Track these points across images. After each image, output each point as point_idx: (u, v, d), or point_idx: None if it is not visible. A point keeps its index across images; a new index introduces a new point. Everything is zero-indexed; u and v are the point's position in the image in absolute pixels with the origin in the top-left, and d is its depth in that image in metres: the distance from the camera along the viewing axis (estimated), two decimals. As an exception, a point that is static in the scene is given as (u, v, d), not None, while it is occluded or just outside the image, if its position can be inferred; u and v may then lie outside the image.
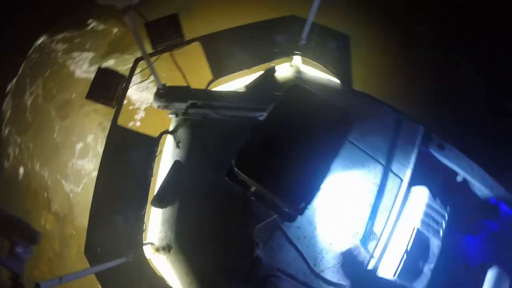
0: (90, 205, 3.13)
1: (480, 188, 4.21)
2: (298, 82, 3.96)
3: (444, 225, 3.78)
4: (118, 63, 5.45)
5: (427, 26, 6.25)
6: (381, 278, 3.48)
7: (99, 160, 3.13)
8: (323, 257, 3.41)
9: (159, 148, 3.45)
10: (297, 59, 3.98)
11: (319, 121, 2.87)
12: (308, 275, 3.33)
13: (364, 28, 5.61)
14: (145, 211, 3.21)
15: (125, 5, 2.52)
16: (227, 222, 3.35)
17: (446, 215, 3.82)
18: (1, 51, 5.80)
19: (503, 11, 6.15)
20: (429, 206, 3.76)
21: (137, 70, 3.62)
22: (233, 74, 3.84)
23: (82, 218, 3.07)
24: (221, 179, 2.87)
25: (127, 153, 3.26)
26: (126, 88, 3.30)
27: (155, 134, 3.54)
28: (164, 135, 3.64)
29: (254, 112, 3.41)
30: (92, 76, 3.24)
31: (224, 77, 3.83)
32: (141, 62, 3.55)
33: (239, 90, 3.75)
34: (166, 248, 3.35)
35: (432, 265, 3.57)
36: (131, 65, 3.55)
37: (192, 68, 3.90)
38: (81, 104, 5.36)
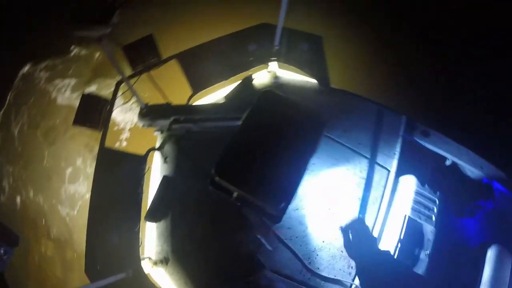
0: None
1: (471, 169, 4.43)
2: (275, 87, 4.30)
3: (436, 210, 4.00)
4: (101, 88, 5.79)
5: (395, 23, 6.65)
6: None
7: (91, 182, 3.44)
8: (317, 255, 3.61)
9: (147, 166, 3.74)
10: (273, 65, 4.28)
11: (293, 123, 3.15)
12: (304, 274, 3.53)
13: (335, 26, 5.96)
14: (139, 227, 3.47)
15: (99, 35, 2.84)
16: (221, 230, 3.60)
17: (437, 200, 4.05)
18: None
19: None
20: (418, 193, 4.00)
21: (120, 92, 3.94)
22: (212, 86, 4.15)
23: (81, 240, 3.33)
24: (209, 188, 3.15)
25: (117, 173, 3.55)
26: (110, 111, 3.60)
27: (142, 152, 3.82)
28: (151, 152, 3.95)
29: (235, 121, 3.68)
30: (74, 102, 3.57)
31: (203, 91, 4.14)
32: (123, 84, 3.89)
33: (219, 102, 4.06)
34: (163, 261, 3.61)
35: (428, 250, 3.77)
36: (113, 88, 3.89)
37: (173, 85, 4.21)
38: (66, 129, 5.69)
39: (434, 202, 4.04)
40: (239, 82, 4.20)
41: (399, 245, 3.64)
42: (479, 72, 6.45)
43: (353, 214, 3.82)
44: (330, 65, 4.25)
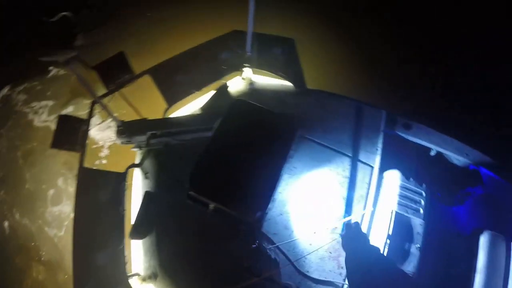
0: (73, 248, 3.58)
1: (456, 157, 4.59)
2: (250, 94, 4.46)
3: (423, 202, 4.13)
4: (79, 108, 5.99)
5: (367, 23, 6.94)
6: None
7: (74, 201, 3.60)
8: (305, 258, 3.73)
9: (128, 183, 3.90)
10: (247, 71, 4.45)
11: (265, 131, 3.33)
12: (294, 278, 3.66)
13: (308, 28, 6.19)
14: (123, 246, 3.62)
15: (66, 58, 3.01)
16: (206, 242, 3.74)
17: (423, 192, 4.18)
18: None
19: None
20: (403, 187, 4.13)
21: (98, 110, 4.11)
22: (187, 98, 4.33)
23: (70, 260, 3.52)
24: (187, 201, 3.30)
25: (98, 193, 3.70)
26: (87, 131, 3.77)
27: (122, 168, 3.99)
28: (132, 169, 4.11)
29: (211, 131, 3.86)
30: (51, 124, 3.72)
31: (180, 102, 4.31)
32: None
33: (196, 112, 4.23)
34: (152, 277, 3.75)
35: (418, 244, 3.88)
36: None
37: (150, 99, 4.37)
38: (44, 149, 5.88)
39: (421, 194, 4.17)
40: (214, 91, 4.37)
41: (388, 241, 3.75)
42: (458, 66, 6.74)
43: (339, 214, 3.96)
44: (305, 67, 4.43)
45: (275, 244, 3.74)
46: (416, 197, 4.14)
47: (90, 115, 3.78)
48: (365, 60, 6.66)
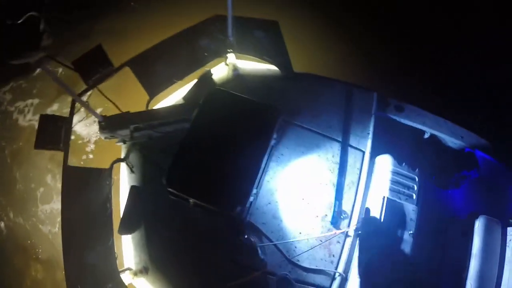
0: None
1: (451, 140, 4.59)
2: (230, 82, 4.46)
3: (416, 187, 4.18)
4: (64, 106, 6.14)
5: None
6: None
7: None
8: (295, 247, 3.85)
9: (114, 177, 4.03)
10: (231, 57, 4.46)
11: (243, 122, 3.37)
12: (285, 267, 3.78)
13: (291, 9, 6.10)
14: (112, 241, 3.79)
15: (37, 59, 3.07)
16: (194, 234, 3.89)
17: (417, 177, 4.21)
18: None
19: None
20: (395, 172, 4.17)
21: (81, 107, 4.21)
22: (170, 88, 4.37)
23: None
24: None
25: (84, 191, 3.84)
26: (70, 129, 3.87)
27: (109, 162, 4.12)
28: (118, 164, 4.23)
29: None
30: (36, 123, 3.82)
31: (163, 93, 4.37)
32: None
33: (178, 102, 4.29)
34: (143, 271, 3.94)
35: (412, 230, 3.96)
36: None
37: (134, 91, 4.46)
38: (30, 148, 6.05)
39: (414, 179, 4.20)
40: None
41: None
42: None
43: (329, 201, 4.04)
44: (291, 50, 4.41)
45: (263, 234, 3.86)
46: (409, 183, 4.17)
47: (72, 112, 3.87)
48: (352, 41, 6.68)
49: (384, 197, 3.98)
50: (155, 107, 4.38)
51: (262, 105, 3.47)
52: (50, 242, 5.60)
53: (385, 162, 4.22)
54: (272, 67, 4.57)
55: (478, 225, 4.20)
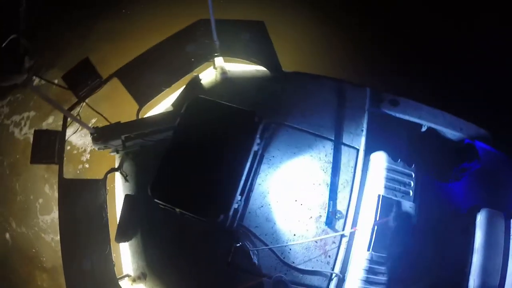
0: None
1: (450, 132, 4.58)
2: (218, 86, 4.59)
3: (413, 184, 4.19)
4: (59, 119, 6.40)
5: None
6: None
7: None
8: (290, 249, 3.94)
9: (109, 187, 4.27)
10: (219, 60, 4.58)
11: (225, 129, 3.51)
12: (280, 269, 3.89)
13: (275, 9, 6.19)
14: (109, 249, 4.04)
15: (21, 82, 3.29)
16: (189, 240, 4.07)
17: (413, 174, 4.22)
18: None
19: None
20: (390, 169, 4.15)
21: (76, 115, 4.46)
22: (161, 95, 4.56)
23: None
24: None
25: (79, 202, 4.11)
26: (63, 143, 4.13)
27: (105, 171, 4.36)
28: (113, 173, 4.47)
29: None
30: (31, 136, 4.10)
31: (153, 101, 4.56)
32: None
33: (168, 110, 4.46)
34: (141, 277, 4.18)
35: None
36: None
37: (125, 101, 4.67)
38: (26, 160, 6.45)
39: (410, 175, 4.18)
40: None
41: (375, 228, 3.84)
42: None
43: (323, 201, 4.09)
44: (279, 50, 4.50)
45: (257, 237, 3.99)
46: (405, 179, 4.15)
47: (64, 127, 4.12)
48: (340, 37, 6.77)
49: (379, 195, 4.00)
50: (147, 115, 4.58)
51: (244, 111, 3.59)
52: (53, 250, 5.97)
53: (380, 160, 4.22)
54: (261, 68, 4.67)
55: (480, 219, 4.21)
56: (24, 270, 6.34)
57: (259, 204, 4.09)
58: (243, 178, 3.45)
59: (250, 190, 4.05)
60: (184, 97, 4.34)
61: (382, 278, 3.82)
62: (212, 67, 4.68)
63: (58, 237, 4.30)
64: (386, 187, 4.06)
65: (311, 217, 4.07)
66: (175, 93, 4.58)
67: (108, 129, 4.21)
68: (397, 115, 4.57)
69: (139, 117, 4.53)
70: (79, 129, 4.38)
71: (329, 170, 4.24)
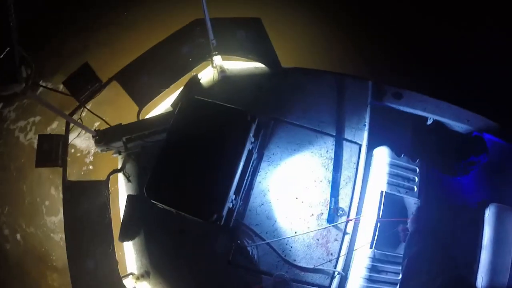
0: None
1: (457, 124, 4.54)
2: (217, 85, 4.71)
3: (417, 179, 4.20)
4: (62, 124, 6.77)
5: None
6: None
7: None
8: (291, 247, 4.06)
9: (111, 188, 4.49)
10: (217, 59, 4.70)
11: (218, 129, 3.66)
12: (281, 267, 4.01)
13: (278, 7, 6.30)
14: (113, 248, 4.27)
15: (22, 88, 3.51)
16: (190, 238, 4.25)
17: (417, 169, 4.22)
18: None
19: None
20: (393, 164, 4.18)
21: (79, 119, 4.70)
22: (160, 96, 4.72)
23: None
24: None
25: (82, 202, 4.35)
26: (66, 146, 4.37)
27: (108, 172, 4.59)
28: (116, 174, 4.68)
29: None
30: (36, 140, 4.35)
31: (152, 102, 4.73)
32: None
33: (168, 110, 4.63)
34: (145, 275, 4.40)
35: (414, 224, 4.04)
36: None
37: (126, 103, 4.87)
38: (31, 164, 6.85)
39: (414, 171, 4.20)
40: (186, 86, 4.71)
41: (378, 224, 3.90)
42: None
43: (324, 198, 4.17)
44: (279, 49, 4.57)
45: (257, 235, 4.11)
46: (409, 174, 4.17)
47: (67, 131, 4.36)
48: (359, 55, 7.09)
49: (382, 191, 4.03)
50: (147, 116, 4.77)
51: (236, 110, 3.71)
52: (63, 249, 6.32)
53: (383, 155, 4.24)
54: (260, 65, 4.77)
55: (489, 214, 4.19)
56: (36, 270, 6.77)
57: (259, 202, 4.22)
58: (237, 177, 3.58)
59: (250, 188, 4.19)
60: (183, 97, 4.49)
61: (386, 277, 3.89)
62: (210, 66, 4.81)
63: (65, 236, 4.62)
64: (389, 183, 4.11)
65: (312, 215, 4.15)
66: (174, 94, 4.74)
67: (109, 131, 4.42)
68: (401, 108, 4.57)
69: (139, 119, 4.72)
70: (82, 132, 4.59)
71: (331, 167, 4.30)
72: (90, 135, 4.44)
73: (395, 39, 7.51)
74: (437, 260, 4.22)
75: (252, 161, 4.03)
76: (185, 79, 4.72)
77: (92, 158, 7.01)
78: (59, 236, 6.82)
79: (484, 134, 4.44)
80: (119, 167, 4.67)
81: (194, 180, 3.56)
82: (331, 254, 4.03)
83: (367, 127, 4.43)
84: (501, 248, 4.08)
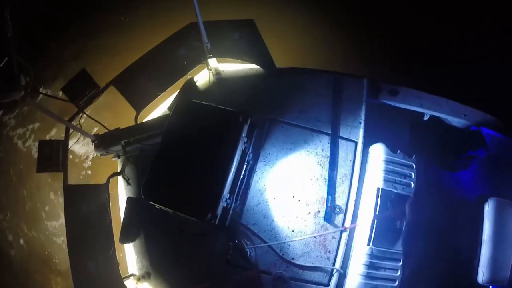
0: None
1: (454, 119, 4.62)
2: (213, 87, 4.88)
3: (414, 175, 4.30)
4: (61, 131, 7.09)
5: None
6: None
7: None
8: (289, 245, 4.19)
9: (111, 191, 4.70)
10: (212, 62, 4.89)
11: (211, 130, 3.84)
12: (279, 266, 4.16)
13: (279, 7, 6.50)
14: (113, 250, 4.47)
15: (21, 95, 3.73)
16: (188, 238, 4.42)
17: (414, 165, 4.32)
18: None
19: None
20: (388, 161, 4.29)
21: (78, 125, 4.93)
22: (158, 99, 4.93)
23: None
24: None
25: (83, 206, 4.57)
26: (66, 151, 4.60)
27: (106, 176, 4.79)
28: (115, 178, 4.90)
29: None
30: (34, 147, 4.55)
31: (149, 106, 4.94)
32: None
33: (164, 114, 4.83)
34: (146, 276, 4.59)
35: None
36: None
37: (125, 107, 5.08)
38: (29, 170, 7.14)
39: (411, 167, 4.30)
40: (183, 89, 4.91)
41: (375, 221, 4.03)
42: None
43: (321, 196, 4.30)
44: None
45: (255, 234, 4.24)
46: (406, 171, 4.27)
47: (67, 137, 4.59)
48: (358, 55, 7.30)
49: (378, 188, 4.15)
50: (145, 120, 4.97)
51: (228, 112, 3.88)
52: (65, 253, 6.60)
53: (379, 151, 4.35)
54: (255, 66, 4.94)
55: (488, 208, 4.27)
56: (40, 274, 7.06)
57: (256, 202, 4.37)
58: (230, 176, 3.75)
59: (247, 188, 4.35)
60: (179, 100, 4.68)
61: (384, 273, 4.00)
62: (206, 68, 4.99)
63: (67, 239, 4.86)
64: (385, 180, 4.21)
65: (309, 213, 4.29)
66: (171, 97, 4.94)
67: (108, 135, 4.64)
68: (397, 104, 4.68)
69: (137, 123, 4.93)
70: (82, 138, 4.82)
71: (327, 165, 4.44)
72: (88, 141, 4.67)
73: (395, 39, 7.68)
74: (437, 256, 4.31)
75: (247, 161, 4.18)
76: (181, 82, 4.92)
77: (90, 163, 7.29)
78: (61, 239, 7.10)
79: (482, 128, 4.52)
80: (118, 171, 4.89)
81: (189, 180, 3.75)
82: (329, 251, 4.15)
83: (362, 125, 4.55)
84: (502, 242, 4.16)
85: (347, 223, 4.20)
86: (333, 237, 4.19)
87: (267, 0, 7.52)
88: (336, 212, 4.27)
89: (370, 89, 4.69)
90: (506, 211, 4.22)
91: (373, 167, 4.32)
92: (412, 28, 7.64)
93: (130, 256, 4.73)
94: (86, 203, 4.60)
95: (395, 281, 3.98)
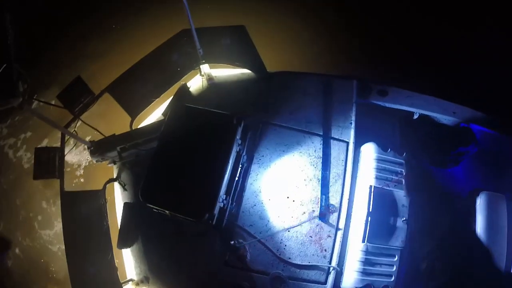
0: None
1: (443, 117, 4.85)
2: (206, 92, 5.10)
3: (405, 172, 4.50)
4: (52, 141, 7.33)
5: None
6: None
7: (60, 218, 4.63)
8: (285, 245, 4.36)
9: (108, 197, 4.86)
10: (204, 67, 5.12)
11: (206, 133, 4.05)
12: (277, 266, 4.31)
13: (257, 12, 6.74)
14: (111, 255, 4.61)
15: (17, 105, 3.91)
16: (182, 242, 4.58)
17: (404, 162, 4.54)
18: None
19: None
20: (379, 159, 4.52)
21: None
22: (152, 105, 5.13)
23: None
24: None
25: (80, 212, 4.72)
26: (63, 158, 4.77)
27: (100, 184, 4.95)
28: (112, 184, 5.06)
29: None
30: (24, 156, 4.69)
31: (144, 112, 5.14)
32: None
33: (159, 119, 5.03)
34: (144, 280, 4.73)
35: (405, 217, 4.30)
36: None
37: (120, 114, 5.27)
38: (21, 179, 7.28)
39: (401, 164, 4.51)
40: (176, 94, 5.12)
41: (369, 219, 4.21)
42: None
43: (315, 196, 4.49)
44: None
45: (251, 235, 4.40)
46: (397, 168, 4.48)
47: (63, 142, 4.76)
48: (357, 56, 7.54)
49: (370, 186, 4.35)
50: (140, 126, 5.16)
51: (222, 115, 4.10)
52: (62, 261, 6.68)
53: (370, 150, 4.57)
54: (247, 71, 5.18)
55: (480, 202, 4.47)
56: (39, 284, 7.13)
57: (252, 203, 4.54)
58: (226, 177, 3.95)
59: (242, 190, 4.54)
60: (173, 106, 4.88)
61: (380, 269, 4.18)
62: (198, 74, 5.22)
63: (63, 246, 4.97)
64: (377, 178, 4.42)
65: (304, 213, 4.46)
66: (165, 103, 5.15)
67: (104, 142, 4.83)
68: (387, 104, 4.91)
69: (132, 129, 5.11)
70: (77, 144, 4.98)
71: (320, 165, 4.64)
72: (81, 149, 4.87)
73: (395, 39, 7.89)
74: (433, 251, 4.48)
75: (241, 163, 4.38)
76: (174, 88, 5.13)
77: (82, 171, 7.46)
78: (57, 247, 7.22)
79: (471, 125, 4.73)
80: (114, 176, 5.06)
81: (186, 182, 3.94)
82: (325, 250, 4.32)
83: (353, 125, 4.77)
84: (495, 235, 4.35)
85: (342, 222, 4.38)
86: (329, 236, 4.36)
87: (256, 7, 7.76)
88: (330, 211, 4.45)
89: (360, 90, 4.93)
90: (497, 204, 4.42)
91: (365, 166, 4.54)
92: (412, 28, 7.86)
93: (128, 261, 4.86)
94: (83, 209, 4.74)
95: (391, 276, 4.15)
